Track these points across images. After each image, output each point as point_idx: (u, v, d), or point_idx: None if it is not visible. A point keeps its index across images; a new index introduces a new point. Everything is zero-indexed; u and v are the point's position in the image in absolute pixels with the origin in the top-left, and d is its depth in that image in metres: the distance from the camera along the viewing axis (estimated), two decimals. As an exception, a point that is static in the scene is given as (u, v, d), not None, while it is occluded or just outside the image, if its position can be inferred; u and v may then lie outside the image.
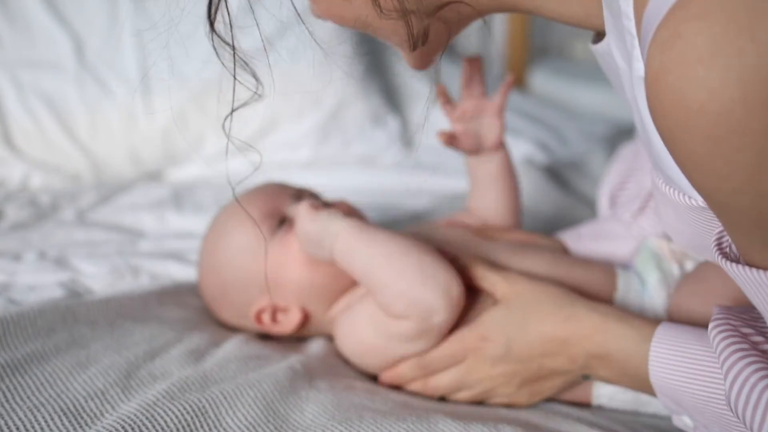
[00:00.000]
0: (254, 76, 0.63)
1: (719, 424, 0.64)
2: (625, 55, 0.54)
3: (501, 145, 0.92)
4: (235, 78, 0.61)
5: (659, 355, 0.68)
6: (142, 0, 1.44)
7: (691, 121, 0.44)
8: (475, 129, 0.89)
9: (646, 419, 0.78)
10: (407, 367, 0.79)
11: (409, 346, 0.78)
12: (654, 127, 0.49)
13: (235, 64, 0.61)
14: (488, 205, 0.95)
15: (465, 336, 0.77)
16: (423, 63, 0.66)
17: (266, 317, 0.86)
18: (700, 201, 0.55)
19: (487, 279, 0.80)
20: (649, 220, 0.90)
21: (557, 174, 1.45)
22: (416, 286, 0.74)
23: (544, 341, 0.75)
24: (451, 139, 0.87)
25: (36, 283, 0.98)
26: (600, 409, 0.80)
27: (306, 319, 0.86)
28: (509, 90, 0.89)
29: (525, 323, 0.76)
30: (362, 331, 0.80)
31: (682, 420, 0.70)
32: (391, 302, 0.75)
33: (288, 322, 0.86)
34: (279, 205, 0.87)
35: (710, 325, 0.62)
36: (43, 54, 1.37)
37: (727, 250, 0.56)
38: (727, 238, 0.56)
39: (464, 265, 0.81)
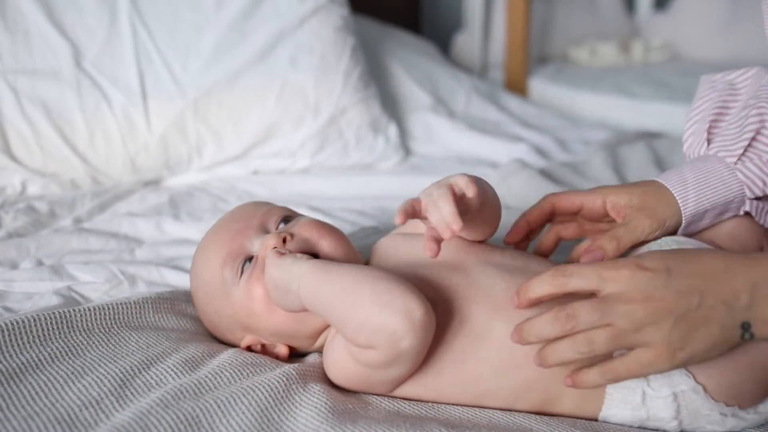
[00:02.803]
0: None
1: None
2: None
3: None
4: None
5: None
6: (141, 7, 1.45)
7: None
8: None
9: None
10: (544, 280, 0.72)
11: (388, 373, 0.76)
12: None
13: None
14: (475, 231, 0.88)
15: (619, 260, 0.71)
16: None
17: (257, 349, 0.87)
18: None
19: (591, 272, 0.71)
20: (753, 164, 0.86)
21: (553, 175, 1.44)
22: (374, 315, 0.71)
23: (706, 268, 0.69)
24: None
25: (32, 292, 0.99)
26: (604, 422, 0.78)
27: (294, 349, 0.87)
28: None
29: (684, 255, 0.71)
30: (344, 361, 0.78)
31: None
32: (354, 334, 0.74)
33: (278, 354, 0.86)
34: (242, 243, 0.85)
35: None
36: (41, 62, 1.37)
37: None
38: None
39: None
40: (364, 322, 0.72)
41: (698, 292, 0.68)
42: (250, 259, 0.84)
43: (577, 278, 0.71)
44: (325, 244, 0.85)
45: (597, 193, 0.90)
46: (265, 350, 0.87)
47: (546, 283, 0.72)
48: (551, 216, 0.94)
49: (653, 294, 0.68)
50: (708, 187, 0.86)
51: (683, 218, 0.86)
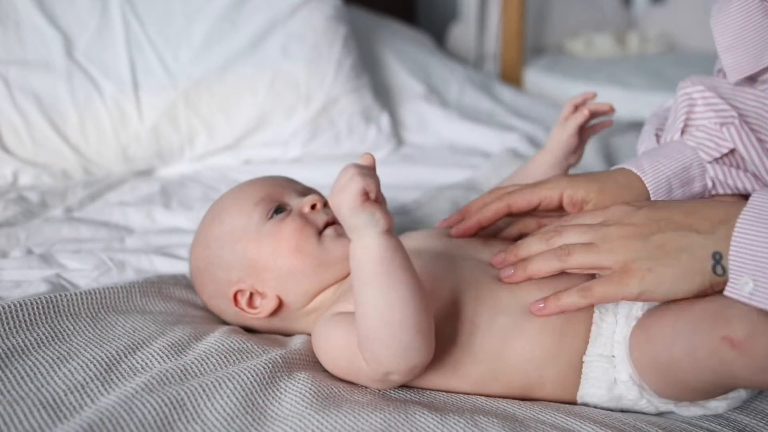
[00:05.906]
0: None
1: None
2: None
3: None
4: None
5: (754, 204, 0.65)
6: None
7: None
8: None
9: (626, 417, 0.76)
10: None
11: (372, 383, 0.78)
12: None
13: None
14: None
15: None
16: None
17: (243, 299, 0.87)
18: None
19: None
20: (699, 131, 0.89)
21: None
22: (385, 347, 0.72)
23: (688, 207, 0.71)
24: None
25: (21, 279, 0.99)
26: (585, 405, 0.79)
27: (281, 307, 0.87)
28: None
29: (673, 201, 0.76)
30: (337, 348, 0.78)
31: (742, 285, 0.63)
32: (363, 340, 0.74)
33: (263, 308, 0.87)
34: (282, 193, 0.90)
35: None
36: (32, 52, 1.37)
37: None
38: None
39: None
40: (374, 348, 0.73)
41: (671, 220, 0.70)
42: (279, 210, 0.87)
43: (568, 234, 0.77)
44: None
45: (554, 187, 0.89)
46: (251, 302, 0.87)
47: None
48: (507, 216, 0.93)
49: (627, 220, 0.73)
50: (662, 155, 0.89)
51: (648, 188, 0.86)
